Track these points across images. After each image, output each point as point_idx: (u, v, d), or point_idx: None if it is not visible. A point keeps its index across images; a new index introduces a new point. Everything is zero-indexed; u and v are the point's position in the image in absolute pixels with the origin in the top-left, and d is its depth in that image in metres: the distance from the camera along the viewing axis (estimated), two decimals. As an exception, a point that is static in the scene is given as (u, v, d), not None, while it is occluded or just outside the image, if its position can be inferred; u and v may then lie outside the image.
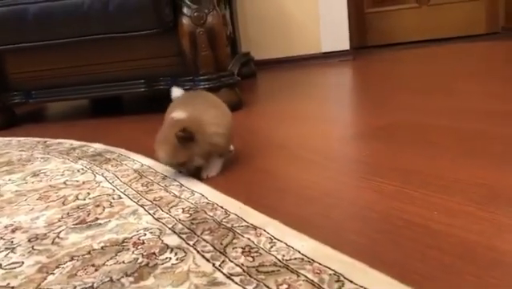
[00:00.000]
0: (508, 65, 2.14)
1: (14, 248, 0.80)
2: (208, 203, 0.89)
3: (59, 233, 0.84)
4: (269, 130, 1.44)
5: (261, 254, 0.69)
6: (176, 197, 0.95)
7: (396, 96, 1.72)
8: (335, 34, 2.70)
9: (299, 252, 0.68)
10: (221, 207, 0.87)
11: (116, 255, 0.73)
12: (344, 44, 2.70)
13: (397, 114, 1.47)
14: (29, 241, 0.82)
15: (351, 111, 1.61)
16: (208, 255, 0.70)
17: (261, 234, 0.74)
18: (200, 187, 0.99)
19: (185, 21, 1.69)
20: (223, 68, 1.75)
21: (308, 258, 0.66)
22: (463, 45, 2.80)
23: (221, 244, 0.73)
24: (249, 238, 0.73)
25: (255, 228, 0.77)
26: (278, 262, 0.66)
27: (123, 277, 0.67)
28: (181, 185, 1.01)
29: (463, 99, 1.53)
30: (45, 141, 1.62)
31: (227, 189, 0.95)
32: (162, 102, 2.08)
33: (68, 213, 0.92)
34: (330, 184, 0.94)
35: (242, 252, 0.70)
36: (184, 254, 0.71)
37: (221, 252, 0.70)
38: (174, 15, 1.71)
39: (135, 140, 1.51)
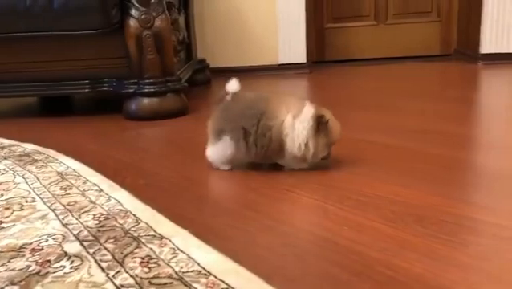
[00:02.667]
0: (454, 86, 2.20)
1: None
2: (121, 210, 0.86)
3: (-44, 236, 0.79)
4: (203, 137, 1.42)
5: (159, 265, 0.66)
6: (91, 202, 0.91)
7: (337, 111, 1.73)
8: (293, 47, 2.71)
9: (199, 264, 0.65)
10: (134, 215, 0.84)
11: (9, 262, 0.69)
12: (301, 57, 2.72)
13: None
14: None
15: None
16: (104, 265, 0.67)
17: (165, 245, 0.72)
18: (119, 193, 0.95)
19: (132, 23, 1.66)
20: (170, 73, 1.72)
21: (206, 270, 0.64)
22: (416, 65, 2.86)
23: (122, 253, 0.70)
24: (151, 249, 0.71)
25: (161, 238, 0.74)
26: (174, 274, 0.63)
27: (7, 285, 0.63)
28: (100, 190, 0.97)
29: (403, 117, 1.55)
30: (-25, 139, 1.54)
31: (147, 197, 0.92)
32: (109, 103, 2.04)
33: (-28, 216, 0.87)
34: (252, 195, 0.93)
35: (141, 262, 0.67)
36: (80, 263, 0.68)
37: (118, 262, 0.67)
38: (121, 16, 1.67)
39: (71, 141, 1.46)
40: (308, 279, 0.62)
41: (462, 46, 2.97)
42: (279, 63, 2.75)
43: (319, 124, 0.98)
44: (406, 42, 3.10)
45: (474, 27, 2.70)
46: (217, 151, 1.04)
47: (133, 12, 1.66)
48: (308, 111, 1.00)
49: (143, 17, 1.65)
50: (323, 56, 3.18)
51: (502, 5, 2.57)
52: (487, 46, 2.62)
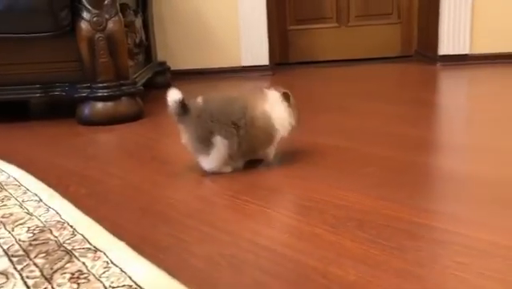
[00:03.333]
0: (413, 88, 2.24)
1: None
2: (58, 222, 0.83)
3: None
4: (159, 143, 1.39)
5: (89, 280, 0.63)
6: (28, 213, 0.87)
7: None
8: (255, 49, 2.70)
9: (131, 278, 0.63)
10: (71, 226, 0.80)
11: None
12: (264, 59, 2.71)
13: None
14: None
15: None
16: (31, 282, 0.64)
17: (99, 258, 0.69)
18: (59, 203, 0.91)
19: (84, 25, 1.61)
20: (124, 76, 1.68)
21: (137, 285, 0.61)
22: (378, 66, 2.90)
23: (51, 269, 0.67)
24: (84, 263, 0.68)
25: (96, 251, 0.71)
26: (103, 289, 0.61)
27: None
28: (40, 200, 0.93)
29: (362, 119, 1.56)
30: None
31: (88, 207, 0.89)
32: (66, 108, 1.97)
33: None
34: (197, 203, 0.91)
35: (70, 278, 0.64)
36: (5, 281, 0.64)
37: (46, 278, 0.64)
38: (72, 19, 1.62)
39: (17, 148, 1.40)
40: (241, 291, 0.60)
41: (422, 47, 3.03)
42: (242, 65, 2.74)
43: (288, 98, 1.09)
44: (368, 43, 3.13)
45: (433, 29, 2.75)
46: (215, 157, 1.02)
47: (85, 14, 1.61)
48: (274, 94, 1.09)
49: (95, 19, 1.61)
50: (286, 58, 3.18)
51: (459, 7, 2.62)
52: (445, 47, 2.68)
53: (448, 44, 2.67)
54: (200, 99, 1.05)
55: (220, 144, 1.00)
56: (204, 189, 0.98)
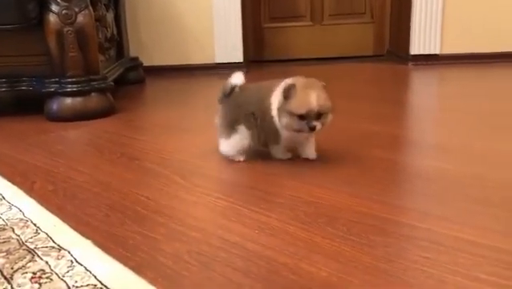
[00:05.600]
0: (384, 87, 2.26)
1: None
2: (21, 220, 0.80)
3: None
4: (130, 140, 1.37)
5: (52, 280, 0.61)
6: (-11, 212, 0.84)
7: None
8: (229, 46, 2.69)
9: (95, 277, 0.61)
10: (35, 224, 0.78)
11: None
12: (238, 56, 2.70)
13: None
14: None
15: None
16: (-10, 282, 0.61)
17: (63, 257, 0.67)
18: (23, 200, 0.88)
19: (52, 18, 1.56)
20: (94, 71, 1.64)
21: (102, 284, 0.60)
22: (350, 65, 2.92)
23: (12, 268, 0.64)
24: (47, 262, 0.66)
25: (60, 249, 0.69)
26: (66, 289, 0.59)
27: None
28: (2, 198, 0.90)
29: (333, 117, 1.56)
30: None
31: (54, 204, 0.87)
32: (35, 104, 1.92)
33: None
34: (167, 200, 0.89)
35: (32, 278, 0.62)
36: (-38, 281, 0.61)
37: (6, 278, 0.62)
38: (41, 11, 1.57)
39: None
40: (208, 288, 0.59)
41: (394, 47, 3.07)
42: (216, 61, 2.72)
43: (286, 91, 0.97)
44: (341, 42, 3.16)
45: (404, 29, 2.79)
46: (233, 143, 1.06)
47: (53, 7, 1.57)
48: (285, 82, 0.99)
49: (64, 12, 1.56)
50: (261, 55, 3.17)
51: (430, 8, 2.67)
52: (416, 47, 2.72)
53: (419, 44, 2.71)
54: (237, 88, 1.07)
55: (242, 133, 1.05)
56: (174, 185, 0.96)
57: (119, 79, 2.14)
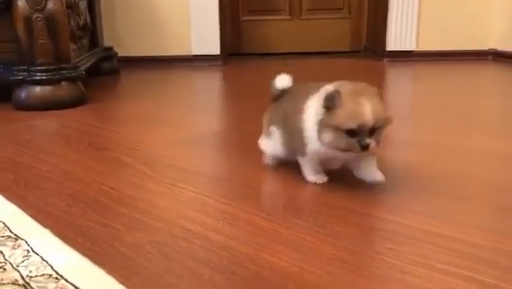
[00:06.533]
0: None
1: None
2: (-22, 209, 0.77)
3: None
4: (99, 130, 1.34)
5: (5, 270, 0.59)
6: None
7: (242, 104, 1.72)
8: (206, 39, 2.66)
9: (52, 267, 0.59)
10: (-8, 214, 0.75)
11: None
12: (215, 49, 2.68)
13: (231, 120, 1.47)
14: None
15: (195, 115, 1.55)
16: None
17: (19, 246, 0.65)
18: (-19, 190, 0.86)
19: (21, 3, 1.52)
20: (65, 60, 1.61)
21: (58, 274, 0.58)
22: (327, 60, 2.93)
23: (-36, 258, 0.62)
24: (1, 251, 0.63)
25: (17, 239, 0.67)
26: (20, 279, 0.57)
27: None
28: (-40, 187, 0.87)
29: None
30: None
31: (15, 193, 0.84)
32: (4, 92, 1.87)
33: None
34: (131, 190, 0.87)
35: (-16, 268, 0.59)
36: None
37: (-43, 268, 0.59)
38: (8, -4, 1.53)
39: None
40: (167, 279, 0.58)
41: (371, 43, 3.09)
42: (193, 53, 2.69)
43: (328, 101, 0.78)
44: (319, 37, 3.16)
45: (381, 25, 2.81)
46: (269, 144, 0.94)
47: (22, -8, 1.52)
48: (325, 89, 0.81)
49: (33, -2, 1.52)
50: (239, 48, 3.16)
51: (406, 5, 2.69)
52: (392, 44, 2.74)
53: (395, 40, 2.74)
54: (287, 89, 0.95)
55: (275, 135, 0.92)
56: (140, 175, 0.94)
57: (93, 69, 2.10)
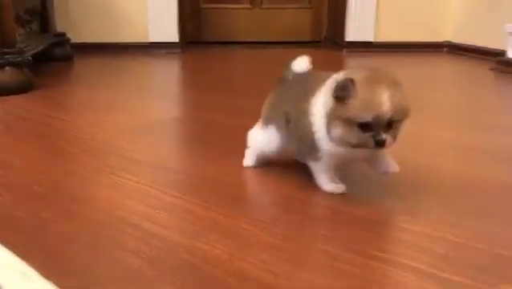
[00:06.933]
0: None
1: None
2: None
3: None
4: (46, 117, 1.29)
5: None
6: None
7: (199, 93, 1.70)
8: (164, 26, 2.61)
9: (-30, 259, 0.56)
10: None
11: None
12: (173, 36, 2.62)
13: (187, 109, 1.45)
14: None
15: (147, 103, 1.51)
16: None
17: None
18: None
19: (-41, -16, 1.44)
20: (9, 44, 1.53)
21: (-24, 266, 0.55)
22: (288, 50, 2.93)
23: None
24: None
25: None
26: None
27: None
28: None
29: (256, 100, 1.55)
30: None
31: None
32: None
33: None
34: (68, 180, 0.84)
35: None
36: None
37: None
38: None
39: None
40: (93, 270, 0.56)
41: (331, 33, 3.11)
42: (150, 40, 2.63)
43: (339, 90, 0.68)
44: (280, 27, 3.16)
45: (340, 16, 2.83)
46: (265, 141, 0.85)
47: (-39, -29, 1.44)
48: (335, 78, 0.71)
49: (-27, -22, 1.44)
50: (199, 36, 3.11)
51: (365, -4, 2.72)
52: (351, 34, 2.77)
53: (354, 31, 2.76)
54: (291, 75, 0.85)
55: (272, 133, 0.82)
56: (81, 164, 0.91)
57: (43, 54, 2.02)
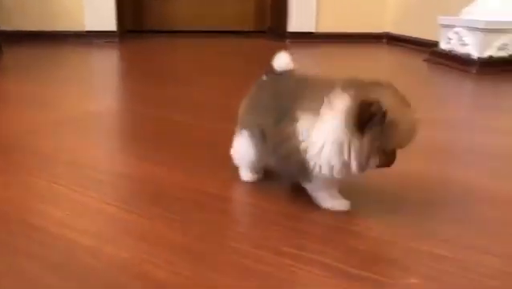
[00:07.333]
0: (257, 62, 2.28)
1: None
2: None
3: None
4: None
5: None
6: None
7: (133, 83, 1.65)
8: (101, 13, 2.51)
9: None
10: None
11: None
12: (111, 25, 2.54)
13: (120, 101, 1.41)
14: None
15: (77, 95, 1.45)
16: None
17: None
18: None
19: None
20: None
21: None
22: (231, 40, 2.91)
23: None
24: None
25: None
26: None
27: None
28: None
29: (194, 91, 1.53)
30: None
31: None
32: None
33: None
34: (-24, 180, 0.79)
35: None
36: None
37: None
38: None
39: None
40: (-11, 279, 0.53)
41: (274, 23, 3.11)
42: (86, 29, 2.53)
43: (367, 117, 0.59)
44: (223, 16, 3.13)
45: (283, 7, 2.84)
46: (237, 149, 0.79)
47: None
48: (342, 97, 0.62)
49: None
50: (140, 25, 3.03)
51: (306, -13, 2.74)
52: (293, 25, 2.78)
53: (296, 22, 2.78)
54: (265, 76, 0.76)
55: (244, 141, 0.75)
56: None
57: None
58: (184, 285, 0.53)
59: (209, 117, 1.21)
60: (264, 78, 0.76)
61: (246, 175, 0.80)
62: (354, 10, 2.84)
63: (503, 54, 1.96)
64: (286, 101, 0.68)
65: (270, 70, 0.75)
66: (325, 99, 0.63)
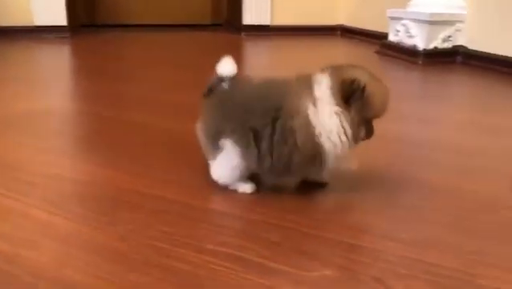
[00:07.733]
0: (212, 56, 2.27)
1: None
2: None
3: None
4: None
5: None
6: None
7: (82, 80, 1.62)
8: (50, 7, 2.44)
9: None
10: None
11: None
12: (61, 20, 2.47)
13: (58, 99, 1.39)
14: None
15: (18, 94, 1.41)
16: None
17: None
18: None
19: None
20: None
21: None
22: (187, 33, 2.89)
23: None
24: None
25: None
26: None
27: None
28: None
29: (146, 88, 1.52)
30: None
31: None
32: None
33: None
34: None
35: None
36: None
37: None
38: None
39: None
40: None
41: (230, 17, 3.10)
42: (35, 24, 2.46)
43: (350, 92, 0.70)
44: (180, 10, 3.10)
45: (238, 0, 2.83)
46: (221, 165, 0.76)
47: None
48: (324, 83, 0.71)
49: None
50: (93, 20, 2.97)
51: (261, -21, 2.74)
52: (248, 18, 2.79)
53: (251, 15, 2.78)
54: (226, 83, 0.76)
55: (230, 151, 0.73)
56: None
57: None
58: (101, 286, 0.53)
59: (160, 115, 1.21)
60: (224, 86, 0.76)
61: (246, 187, 0.77)
62: (308, 3, 2.86)
63: (447, 45, 2.03)
64: (273, 100, 0.72)
65: (217, 78, 0.76)
66: (313, 86, 0.71)
